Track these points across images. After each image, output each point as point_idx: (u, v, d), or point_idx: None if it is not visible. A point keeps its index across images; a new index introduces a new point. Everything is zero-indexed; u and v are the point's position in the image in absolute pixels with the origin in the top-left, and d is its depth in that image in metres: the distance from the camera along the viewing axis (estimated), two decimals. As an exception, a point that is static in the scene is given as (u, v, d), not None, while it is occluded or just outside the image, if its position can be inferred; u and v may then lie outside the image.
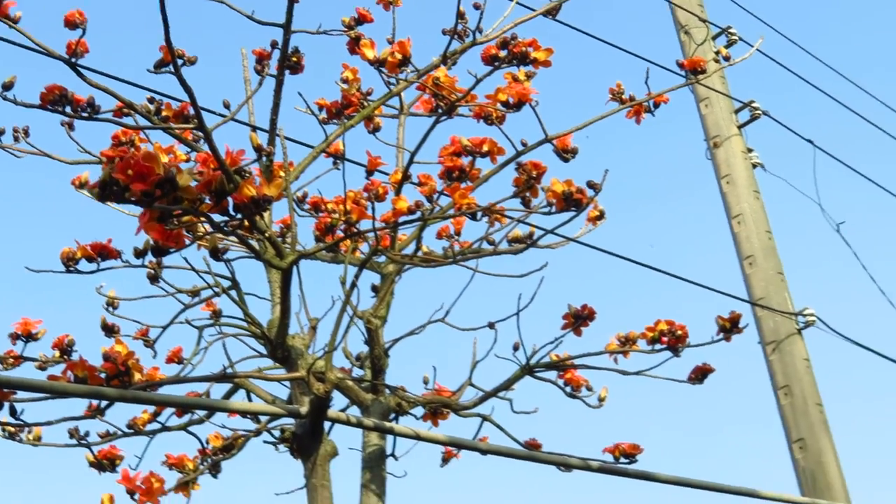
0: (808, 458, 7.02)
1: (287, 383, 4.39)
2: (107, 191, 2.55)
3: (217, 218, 2.82)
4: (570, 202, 3.97)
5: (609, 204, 4.75)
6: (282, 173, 3.84)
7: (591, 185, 3.98)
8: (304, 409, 3.82)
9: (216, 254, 3.42)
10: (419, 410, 4.51)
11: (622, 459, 4.40)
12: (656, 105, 4.37)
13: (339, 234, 4.40)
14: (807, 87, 8.51)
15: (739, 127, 8.16)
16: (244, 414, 4.48)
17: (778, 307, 7.34)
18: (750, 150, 8.09)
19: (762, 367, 7.44)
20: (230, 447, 4.38)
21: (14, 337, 4.10)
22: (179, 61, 3.36)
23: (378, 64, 4.15)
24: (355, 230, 4.02)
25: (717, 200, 8.05)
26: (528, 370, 4.42)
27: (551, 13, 4.28)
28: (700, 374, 4.49)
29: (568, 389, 4.55)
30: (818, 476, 6.95)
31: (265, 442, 4.43)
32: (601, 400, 4.56)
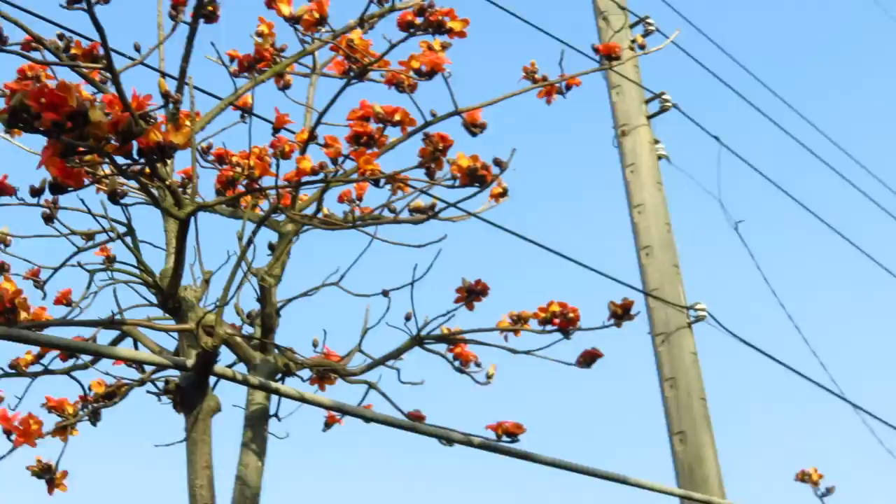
0: (688, 450, 7.11)
1: (175, 335, 4.35)
2: (16, 118, 2.50)
3: (119, 161, 2.79)
4: (475, 178, 3.97)
5: (513, 183, 4.76)
6: (188, 122, 3.80)
7: (497, 162, 3.98)
8: (190, 362, 3.79)
9: (114, 197, 3.37)
10: (306, 373, 4.49)
11: (504, 438, 4.42)
12: (568, 87, 4.38)
13: (241, 188, 4.36)
14: (718, 84, 8.60)
15: (648, 117, 8.22)
16: (129, 362, 4.43)
17: (671, 299, 7.41)
18: (657, 142, 8.15)
19: (651, 357, 7.51)
20: (112, 395, 4.33)
21: None
22: (92, -1, 3.30)
23: (294, 21, 4.12)
24: (257, 186, 3.99)
25: (621, 189, 8.11)
26: (417, 341, 4.42)
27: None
28: (588, 359, 4.51)
29: (456, 364, 4.56)
30: (696, 469, 7.04)
31: (148, 392, 4.40)
32: (489, 377, 4.57)
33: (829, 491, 8.54)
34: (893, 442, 8.42)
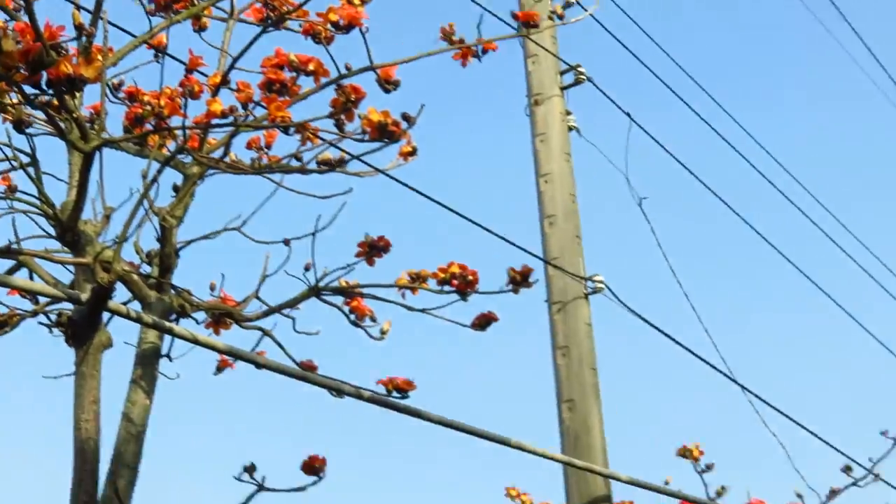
0: (575, 418, 7.19)
1: (72, 268, 4.33)
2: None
3: (28, 90, 2.77)
4: (384, 132, 3.98)
5: (423, 143, 4.78)
6: (100, 57, 3.77)
7: (406, 117, 4.00)
8: (84, 296, 3.77)
9: (20, 126, 3.35)
10: (201, 316, 4.50)
11: (395, 393, 4.45)
12: (485, 51, 4.40)
13: (149, 127, 4.34)
14: (634, 62, 8.66)
15: (562, 89, 8.26)
16: (23, 292, 4.41)
17: (570, 269, 7.48)
18: (568, 113, 8.20)
19: (546, 325, 7.57)
20: (4, 324, 4.31)
21: None
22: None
23: (214, -37, 4.10)
24: (165, 126, 3.97)
25: (529, 157, 8.15)
26: (315, 292, 4.44)
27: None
28: (484, 322, 4.57)
29: (352, 317, 4.59)
30: (581, 437, 7.13)
31: (40, 323, 4.38)
32: (383, 332, 4.61)
33: (708, 468, 8.70)
34: (779, 426, 8.56)
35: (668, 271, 8.42)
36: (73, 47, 3.70)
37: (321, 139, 4.22)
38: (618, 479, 7.01)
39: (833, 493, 9.44)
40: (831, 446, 8.73)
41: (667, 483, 7.68)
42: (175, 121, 3.96)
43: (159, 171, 3.91)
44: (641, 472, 7.03)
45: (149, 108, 4.15)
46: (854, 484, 9.43)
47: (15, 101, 3.36)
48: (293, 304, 4.44)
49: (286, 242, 4.47)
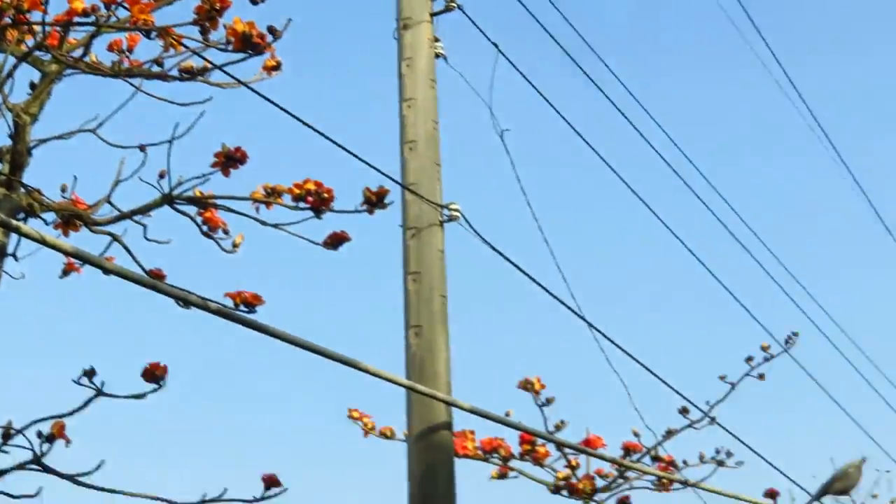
0: (422, 344, 7.23)
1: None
2: None
3: None
4: (248, 44, 3.95)
5: (288, 58, 4.75)
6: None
7: (271, 30, 3.98)
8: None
9: None
10: (51, 217, 4.43)
11: (242, 307, 4.44)
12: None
13: (7, 21, 4.25)
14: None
15: (432, 14, 8.22)
16: None
17: (427, 196, 7.48)
18: (436, 40, 8.17)
19: (399, 250, 7.59)
20: None
21: None
22: None
23: None
24: (24, 20, 3.89)
25: (394, 81, 8.12)
26: (168, 199, 4.41)
27: None
28: (336, 241, 4.58)
29: (205, 228, 4.56)
30: (427, 363, 7.16)
31: None
32: (235, 245, 4.59)
33: (548, 402, 8.84)
34: (623, 366, 8.68)
35: (527, 206, 8.47)
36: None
37: (184, 46, 4.18)
38: (460, 408, 7.09)
39: (669, 433, 9.62)
40: (671, 387, 8.89)
41: (507, 415, 7.80)
42: (35, 16, 3.89)
43: (15, 67, 3.84)
44: (484, 403, 7.12)
45: (7, 1, 4.06)
46: (690, 426, 9.62)
47: None
48: (145, 210, 4.40)
49: (142, 148, 4.42)
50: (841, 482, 11.65)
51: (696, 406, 9.57)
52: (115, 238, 4.37)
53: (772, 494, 10.13)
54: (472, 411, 7.05)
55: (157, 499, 4.34)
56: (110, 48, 4.49)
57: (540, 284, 7.54)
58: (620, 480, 9.48)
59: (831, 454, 12.51)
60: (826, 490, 11.74)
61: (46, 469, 4.15)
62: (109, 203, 4.41)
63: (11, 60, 3.87)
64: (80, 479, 4.18)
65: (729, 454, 9.78)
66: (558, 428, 8.89)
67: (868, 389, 14.40)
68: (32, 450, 4.13)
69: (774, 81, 13.02)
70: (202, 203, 4.45)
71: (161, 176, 4.39)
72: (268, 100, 5.94)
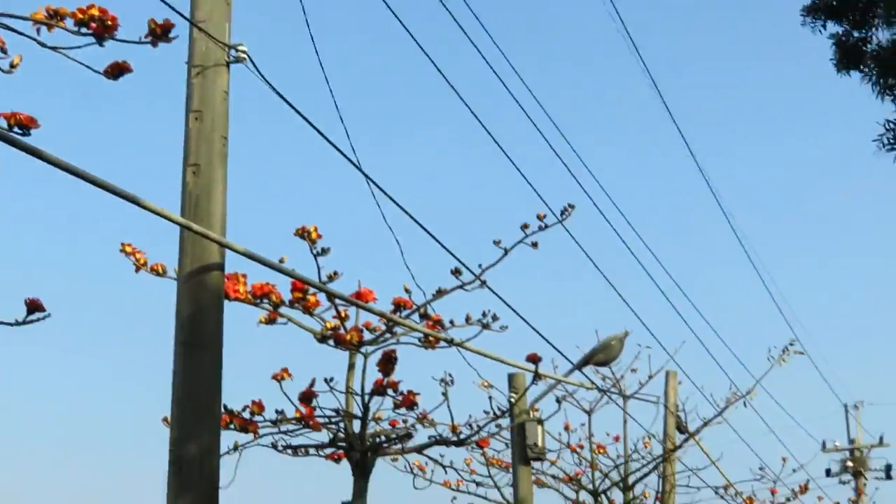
0: (199, 183, 7.18)
1: None
2: None
3: None
4: None
5: None
6: None
7: None
8: None
9: None
10: None
11: (16, 129, 4.34)
12: None
13: None
14: None
15: None
16: None
17: (216, 35, 7.37)
18: None
19: (183, 88, 7.48)
20: None
21: None
22: None
23: None
24: None
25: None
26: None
27: None
28: (116, 70, 4.50)
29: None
30: (203, 202, 7.12)
31: None
32: (13, 66, 4.47)
33: (324, 251, 8.89)
34: (401, 224, 8.73)
35: (315, 55, 8.41)
36: None
37: None
38: (233, 250, 7.09)
39: (440, 292, 9.79)
40: (444, 248, 9.01)
41: (282, 261, 7.82)
42: None
43: None
44: (259, 248, 7.13)
45: None
46: (461, 287, 9.79)
47: None
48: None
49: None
50: (603, 354, 12.05)
51: (468, 268, 9.73)
52: None
53: (533, 359, 10.40)
54: (246, 254, 7.06)
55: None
56: None
57: (321, 133, 7.53)
58: (388, 335, 9.63)
59: (597, 326, 12.92)
60: (588, 360, 12.13)
61: None
62: None
63: None
64: None
65: (495, 317, 10.00)
66: (331, 279, 8.96)
67: (636, 266, 14.85)
68: None
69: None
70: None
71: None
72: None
